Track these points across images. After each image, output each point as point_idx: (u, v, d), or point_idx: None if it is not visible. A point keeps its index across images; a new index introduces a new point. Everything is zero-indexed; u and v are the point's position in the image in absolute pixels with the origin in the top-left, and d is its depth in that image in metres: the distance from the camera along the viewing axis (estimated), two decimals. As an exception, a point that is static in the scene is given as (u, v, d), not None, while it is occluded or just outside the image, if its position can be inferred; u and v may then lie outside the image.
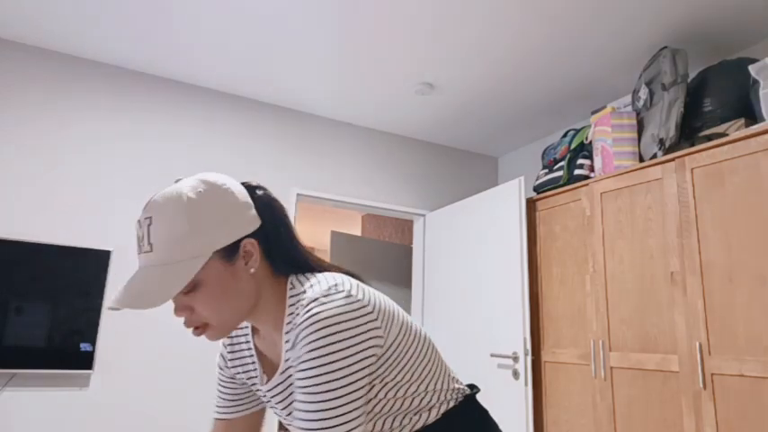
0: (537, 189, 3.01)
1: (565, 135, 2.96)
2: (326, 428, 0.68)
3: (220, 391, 0.95)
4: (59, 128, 2.67)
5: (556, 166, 2.90)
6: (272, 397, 0.85)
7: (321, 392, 0.68)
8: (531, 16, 2.29)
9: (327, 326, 0.70)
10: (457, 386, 0.92)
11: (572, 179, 2.77)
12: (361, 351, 0.71)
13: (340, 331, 0.70)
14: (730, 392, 1.85)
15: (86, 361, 2.47)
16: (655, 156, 2.32)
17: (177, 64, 2.83)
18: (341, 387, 0.69)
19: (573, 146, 2.84)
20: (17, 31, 2.56)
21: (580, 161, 2.76)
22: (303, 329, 0.71)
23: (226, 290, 0.75)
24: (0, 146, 2.53)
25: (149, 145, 2.87)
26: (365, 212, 6.03)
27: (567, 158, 2.84)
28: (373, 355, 0.73)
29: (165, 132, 2.93)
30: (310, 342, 0.69)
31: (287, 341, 0.79)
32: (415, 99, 3.15)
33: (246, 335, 0.92)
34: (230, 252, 0.76)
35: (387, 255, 4.53)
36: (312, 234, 7.56)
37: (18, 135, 2.58)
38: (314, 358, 0.69)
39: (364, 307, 0.74)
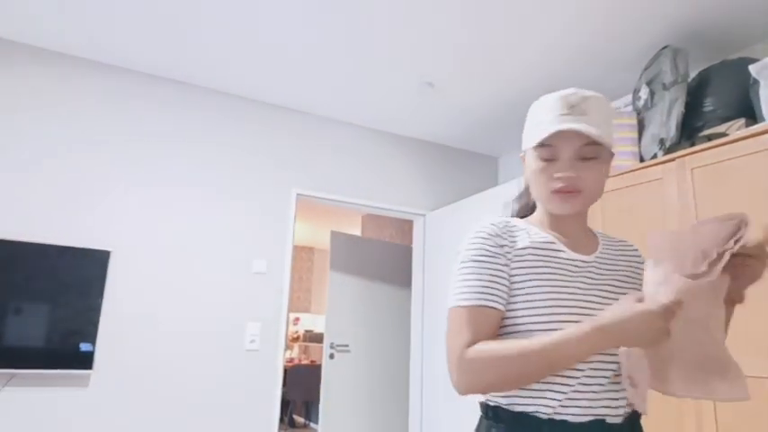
0: (537, 189, 3.01)
1: (565, 135, 2.96)
2: None
3: (494, 279, 0.90)
4: (59, 128, 2.67)
5: (556, 166, 2.90)
6: (594, 267, 0.95)
7: None
8: (530, 16, 2.29)
9: None
10: None
11: (572, 179, 2.77)
12: None
13: None
14: (731, 393, 1.85)
15: (86, 361, 2.47)
16: (655, 156, 2.31)
17: (176, 64, 2.82)
18: None
19: (573, 146, 2.84)
20: (18, 31, 2.56)
21: (580, 161, 2.75)
22: (638, 253, 1.05)
23: (605, 178, 0.95)
24: (0, 147, 2.53)
25: (149, 145, 2.87)
26: (365, 212, 6.03)
27: (567, 158, 2.84)
28: None
29: (164, 133, 2.92)
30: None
31: (603, 241, 1.02)
32: (415, 99, 3.14)
33: (524, 226, 0.99)
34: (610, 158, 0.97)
35: (387, 255, 4.53)
36: (312, 234, 7.56)
37: (18, 135, 2.57)
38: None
39: None
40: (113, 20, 2.43)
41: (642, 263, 1.02)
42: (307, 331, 7.59)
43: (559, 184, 0.90)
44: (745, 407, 1.80)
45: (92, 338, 2.50)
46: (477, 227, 0.96)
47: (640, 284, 0.96)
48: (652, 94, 2.41)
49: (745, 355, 1.83)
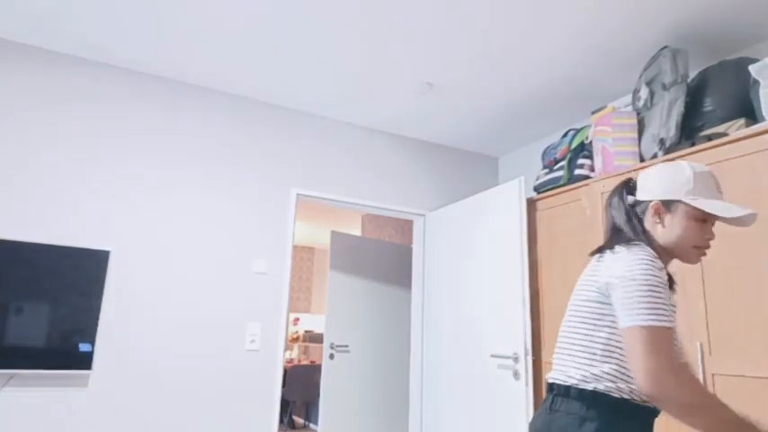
0: (537, 189, 3.01)
1: (565, 135, 2.96)
2: None
3: (666, 304, 1.07)
4: (59, 128, 2.67)
5: (556, 166, 2.90)
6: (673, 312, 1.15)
7: None
8: (531, 16, 2.29)
9: None
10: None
11: (572, 179, 2.77)
12: None
13: None
14: (731, 393, 1.85)
15: (85, 361, 2.47)
16: (655, 156, 2.31)
17: (175, 63, 2.82)
18: None
19: (573, 146, 2.84)
20: (19, 32, 2.56)
21: (580, 161, 2.75)
22: None
23: None
24: (0, 147, 2.53)
25: (148, 146, 2.87)
26: (365, 212, 6.03)
27: (567, 158, 2.84)
28: None
29: (163, 133, 2.92)
30: None
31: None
32: (414, 99, 3.14)
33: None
34: None
35: (387, 255, 4.53)
36: (312, 234, 7.56)
37: (17, 135, 2.57)
38: None
39: None
40: (113, 20, 2.43)
41: None
42: (307, 331, 7.58)
43: (707, 245, 1.15)
44: (745, 407, 1.80)
45: (91, 338, 2.50)
46: (648, 256, 1.09)
47: None
48: (652, 94, 2.41)
49: (747, 356, 1.83)
